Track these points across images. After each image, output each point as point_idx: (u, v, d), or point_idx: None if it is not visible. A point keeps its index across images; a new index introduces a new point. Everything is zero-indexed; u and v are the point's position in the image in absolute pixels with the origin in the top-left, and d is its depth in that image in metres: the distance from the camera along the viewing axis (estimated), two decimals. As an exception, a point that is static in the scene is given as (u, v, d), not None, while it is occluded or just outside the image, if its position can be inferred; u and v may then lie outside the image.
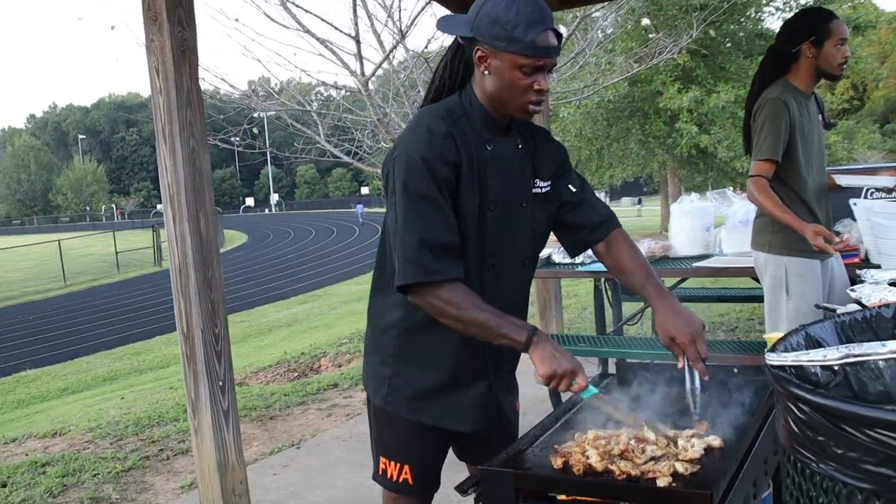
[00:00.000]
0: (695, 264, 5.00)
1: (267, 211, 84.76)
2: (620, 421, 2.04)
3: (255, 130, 10.86)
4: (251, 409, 6.08)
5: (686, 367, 2.17)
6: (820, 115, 3.80)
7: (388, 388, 2.29)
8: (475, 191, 2.11)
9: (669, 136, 21.02)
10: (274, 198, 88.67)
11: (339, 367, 8.36)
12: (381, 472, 2.37)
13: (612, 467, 1.78)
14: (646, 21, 21.06)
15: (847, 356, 1.29)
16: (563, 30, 13.84)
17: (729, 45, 21.67)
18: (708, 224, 5.45)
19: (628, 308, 6.50)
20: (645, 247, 5.31)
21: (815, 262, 3.68)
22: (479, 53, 2.09)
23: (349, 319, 13.65)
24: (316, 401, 6.27)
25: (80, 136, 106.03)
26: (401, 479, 2.33)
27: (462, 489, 1.87)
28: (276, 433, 5.49)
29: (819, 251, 3.53)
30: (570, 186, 2.36)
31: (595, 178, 24.02)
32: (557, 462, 1.85)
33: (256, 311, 18.82)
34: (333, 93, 11.83)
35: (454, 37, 2.21)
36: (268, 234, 46.37)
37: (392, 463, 2.33)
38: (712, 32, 17.35)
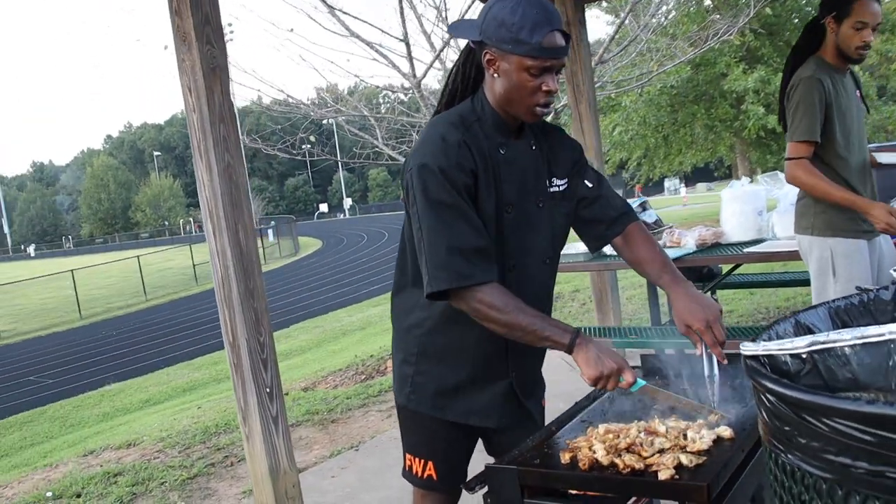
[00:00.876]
0: (746, 249, 4.92)
1: (341, 216, 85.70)
2: (675, 406, 2.09)
3: (312, 139, 11.01)
4: (314, 413, 6.19)
5: (704, 354, 2.15)
6: (858, 92, 3.68)
7: (412, 385, 2.35)
8: (491, 194, 2.14)
9: (736, 119, 20.58)
10: (347, 202, 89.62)
11: (404, 368, 8.43)
12: (407, 469, 2.45)
13: (618, 461, 1.78)
14: (708, 1, 20.67)
15: (813, 343, 1.27)
16: (620, 14, 13.69)
17: (796, 20, 21.12)
18: (760, 208, 5.35)
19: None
20: (696, 234, 5.24)
21: (862, 242, 3.56)
22: (487, 56, 2.12)
23: (418, 320, 13.73)
24: (377, 402, 6.35)
25: (156, 153, 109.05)
26: (425, 476, 2.39)
27: (469, 486, 1.90)
28: (337, 436, 5.58)
29: (870, 230, 3.46)
30: (586, 182, 2.37)
31: (665, 166, 23.66)
32: (566, 457, 1.86)
33: (331, 315, 19.07)
34: (401, 95, 11.98)
35: (467, 43, 2.24)
36: (341, 239, 46.88)
37: (417, 459, 2.40)
38: (769, 10, 16.89)
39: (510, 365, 2.30)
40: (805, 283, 6.47)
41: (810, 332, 1.56)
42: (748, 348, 1.37)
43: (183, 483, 4.91)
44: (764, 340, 1.45)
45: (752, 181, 5.66)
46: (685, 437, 1.89)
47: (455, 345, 2.27)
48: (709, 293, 6.18)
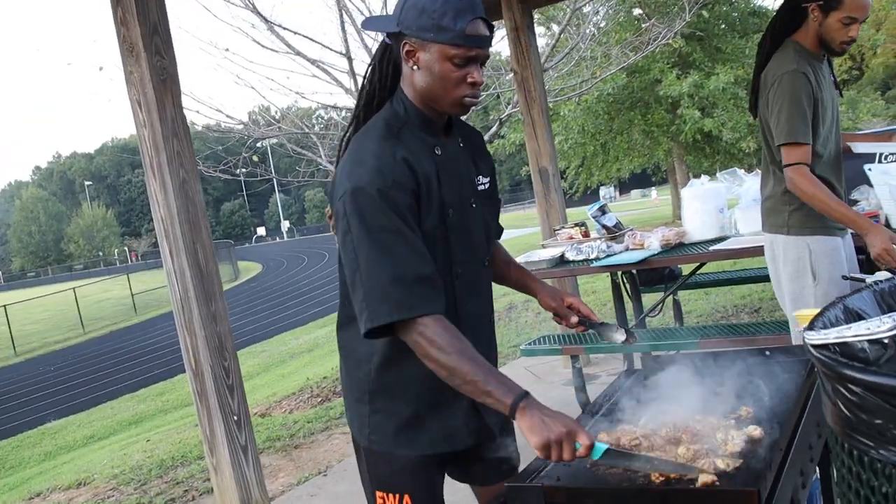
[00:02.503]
0: (711, 248, 4.86)
1: (279, 239, 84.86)
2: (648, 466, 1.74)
3: (255, 158, 10.78)
4: (275, 439, 5.97)
5: (591, 327, 2.27)
6: (832, 77, 3.55)
7: (370, 426, 2.15)
8: (433, 204, 1.99)
9: (672, 124, 20.81)
10: (285, 225, 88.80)
11: (362, 387, 8.24)
12: None
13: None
14: (637, 11, 20.93)
15: (896, 327, 1.16)
16: (554, 27, 13.73)
17: (723, 26, 21.48)
18: (721, 206, 5.31)
19: (648, 299, 6.36)
20: (659, 235, 5.17)
21: (838, 240, 3.40)
22: (406, 48, 1.95)
23: (369, 339, 13.54)
24: (339, 425, 6.15)
25: (87, 183, 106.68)
26: None
27: (489, 510, 1.74)
28: (302, 462, 5.37)
29: (843, 228, 3.36)
30: (496, 185, 2.31)
31: (602, 173, 23.84)
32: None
33: (276, 339, 18.74)
34: (334, 114, 11.79)
35: (383, 38, 2.07)
36: (282, 262, 46.34)
37: (390, 496, 2.17)
38: (705, 13, 17.14)
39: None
40: (760, 279, 6.51)
41: (860, 317, 1.45)
42: (814, 337, 1.25)
43: (143, 521, 4.66)
44: (820, 328, 1.34)
45: (710, 179, 5.61)
46: (714, 438, 1.77)
47: (408, 376, 2.07)
48: (671, 296, 6.14)
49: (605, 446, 1.71)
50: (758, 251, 4.42)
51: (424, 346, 1.83)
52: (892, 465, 1.09)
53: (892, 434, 1.07)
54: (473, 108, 2.03)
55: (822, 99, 3.30)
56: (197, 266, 3.43)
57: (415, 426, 2.11)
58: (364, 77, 2.14)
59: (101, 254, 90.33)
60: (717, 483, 1.58)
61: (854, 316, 1.45)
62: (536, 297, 2.37)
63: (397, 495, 2.15)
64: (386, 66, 2.07)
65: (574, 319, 2.25)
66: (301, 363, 13.61)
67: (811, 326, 1.34)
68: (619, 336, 2.24)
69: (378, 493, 2.19)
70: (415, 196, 1.93)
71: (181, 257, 3.41)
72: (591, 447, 1.68)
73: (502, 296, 12.91)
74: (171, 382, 15.30)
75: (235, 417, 3.52)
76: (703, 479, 1.58)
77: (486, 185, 2.20)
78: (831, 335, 1.21)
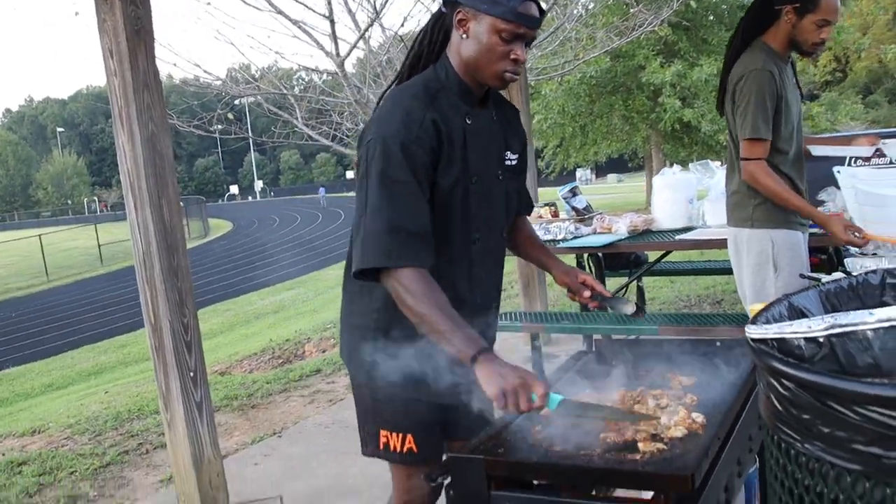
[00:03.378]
0: (678, 237, 4.91)
1: (251, 198, 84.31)
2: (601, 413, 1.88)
3: (231, 116, 10.68)
4: (233, 398, 5.97)
5: (603, 300, 2.37)
6: (795, 79, 3.60)
7: (377, 363, 2.21)
8: (454, 166, 2.07)
9: (653, 111, 20.85)
10: (258, 185, 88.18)
11: (324, 352, 8.26)
12: (382, 448, 2.30)
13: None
14: (626, -6, 20.92)
15: (833, 326, 1.19)
16: (543, 4, 13.66)
17: (711, 17, 21.50)
18: (691, 196, 5.36)
19: (612, 284, 6.42)
20: (627, 220, 5.21)
21: (800, 234, 3.48)
22: (459, 16, 2.05)
23: (336, 304, 13.46)
24: (298, 387, 6.16)
25: (59, 129, 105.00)
26: (405, 449, 2.26)
27: (431, 478, 1.77)
28: (258, 422, 5.39)
29: (804, 223, 3.43)
30: (527, 161, 2.42)
31: (580, 156, 23.88)
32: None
33: (242, 299, 18.67)
34: (314, 77, 11.69)
35: (439, 6, 2.15)
36: (253, 222, 46.09)
37: (393, 434, 2.27)
38: (693, 3, 17.14)
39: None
40: (725, 271, 6.57)
41: (803, 314, 1.48)
42: (755, 331, 1.28)
43: (95, 472, 4.65)
44: (763, 323, 1.37)
45: (682, 169, 5.66)
46: (658, 422, 1.81)
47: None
48: (635, 281, 6.20)
49: (561, 397, 1.83)
50: (724, 243, 4.46)
51: (401, 293, 1.92)
52: (816, 459, 1.12)
53: (818, 430, 1.10)
54: (512, 82, 2.09)
55: (787, 98, 3.36)
56: (161, 220, 3.42)
57: (412, 369, 2.13)
58: (414, 41, 2.23)
59: (69, 202, 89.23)
60: (662, 452, 1.63)
61: (798, 313, 1.48)
62: (552, 272, 2.47)
63: (401, 434, 2.25)
64: (437, 33, 2.16)
65: (587, 294, 2.34)
66: (266, 324, 13.59)
67: (754, 320, 1.37)
68: (629, 308, 2.36)
69: (382, 433, 2.28)
70: (434, 155, 2.02)
71: (145, 210, 3.39)
72: (545, 396, 1.76)
73: (470, 270, 12.95)
74: (134, 335, 15.21)
75: (192, 374, 3.52)
76: (645, 448, 1.64)
77: (515, 161, 2.30)
78: (771, 330, 1.24)
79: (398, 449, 2.26)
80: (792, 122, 3.43)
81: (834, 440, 1.08)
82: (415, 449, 2.25)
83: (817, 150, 3.74)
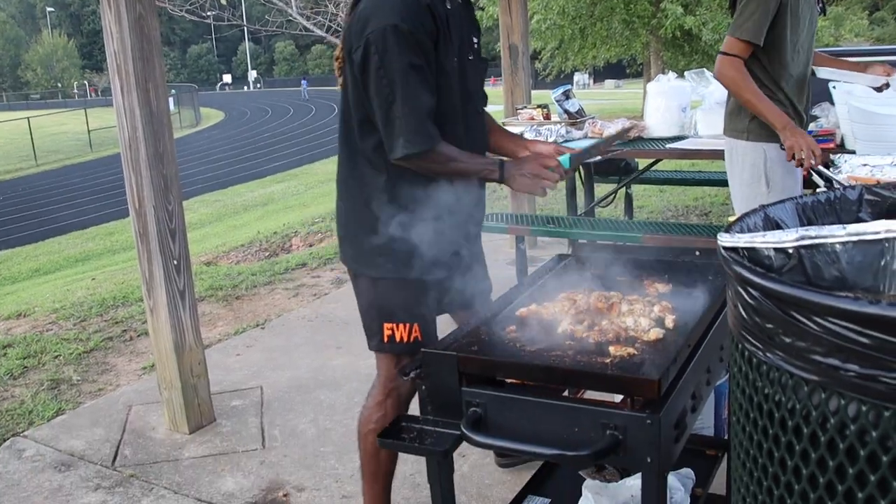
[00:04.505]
0: (668, 145, 4.88)
1: (245, 88, 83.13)
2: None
3: (223, 1, 10.45)
4: (218, 288, 6.01)
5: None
6: None
7: (383, 254, 2.32)
8: (450, 49, 2.23)
9: (654, 17, 20.47)
10: (252, 75, 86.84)
11: (311, 246, 8.28)
12: (387, 340, 2.40)
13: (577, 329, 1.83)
14: None
15: (802, 238, 1.19)
16: None
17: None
18: (684, 104, 5.30)
19: (601, 189, 6.42)
20: (619, 124, 5.18)
21: None
22: None
23: (326, 199, 13.52)
24: (283, 280, 6.20)
25: (49, 9, 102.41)
26: (412, 339, 2.37)
27: (404, 372, 1.80)
28: (242, 313, 5.44)
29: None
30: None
31: (578, 59, 23.52)
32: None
33: (231, 190, 18.62)
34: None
35: None
36: (245, 112, 45.59)
37: (400, 325, 2.38)
38: None
39: (462, 228, 2.38)
40: (715, 182, 6.58)
41: (779, 226, 1.48)
42: (727, 239, 1.28)
43: (78, 357, 4.71)
44: (737, 232, 1.37)
45: (678, 77, 5.58)
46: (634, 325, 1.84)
47: (409, 214, 2.27)
48: (624, 188, 6.19)
49: (568, 156, 2.31)
50: (714, 154, 4.45)
51: (437, 165, 2.20)
52: (776, 368, 1.14)
53: (779, 339, 1.12)
54: None
55: (797, 9, 3.25)
56: (147, 105, 3.37)
57: (419, 254, 2.27)
58: None
59: (59, 85, 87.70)
60: (631, 356, 1.66)
61: (773, 225, 1.48)
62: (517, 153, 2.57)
63: (407, 325, 2.37)
64: None
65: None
66: (254, 216, 13.59)
67: (728, 229, 1.38)
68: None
69: (386, 325, 2.39)
70: (433, 38, 2.16)
71: (132, 95, 3.34)
72: (559, 167, 2.26)
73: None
74: (122, 223, 15.19)
75: (175, 262, 3.53)
76: (616, 351, 1.69)
77: (476, 46, 2.44)
78: (742, 240, 1.25)
79: (405, 339, 2.37)
80: (799, 35, 3.32)
81: (794, 350, 1.10)
82: (420, 337, 2.37)
83: (823, 73, 3.64)
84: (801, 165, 3.16)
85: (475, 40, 2.43)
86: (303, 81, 59.70)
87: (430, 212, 2.26)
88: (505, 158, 2.37)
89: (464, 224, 2.38)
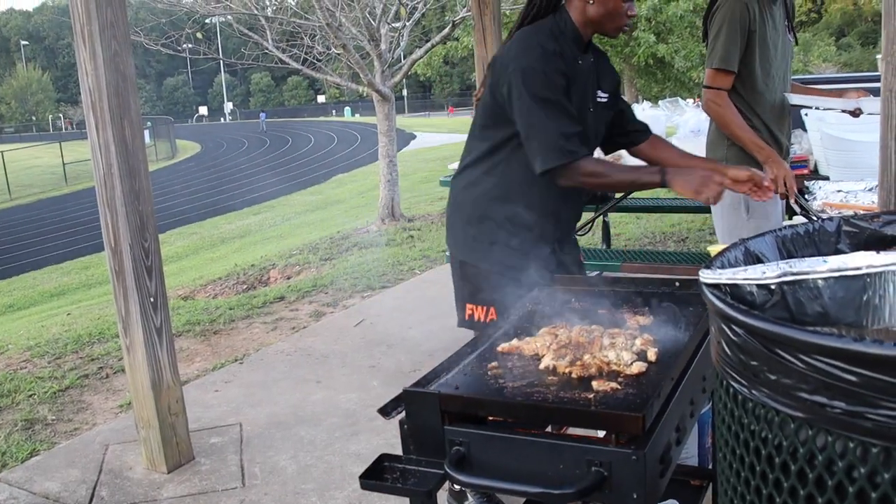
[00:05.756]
0: (645, 174, 4.90)
1: (221, 120, 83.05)
2: None
3: (199, 35, 10.45)
4: (195, 323, 5.96)
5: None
6: (787, 23, 3.50)
7: (473, 241, 2.73)
8: (573, 95, 2.54)
9: (626, 45, 20.73)
10: (228, 106, 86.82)
11: (289, 278, 8.25)
12: (467, 318, 2.79)
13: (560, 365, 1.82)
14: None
15: (785, 274, 1.19)
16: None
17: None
18: (659, 133, 5.34)
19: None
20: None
21: None
22: None
23: (303, 230, 13.50)
24: (262, 314, 6.16)
25: (23, 43, 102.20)
26: (488, 320, 2.70)
27: (385, 412, 1.78)
28: (220, 348, 5.39)
29: None
30: (623, 99, 2.90)
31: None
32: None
33: (208, 222, 18.57)
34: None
35: None
36: (221, 144, 45.53)
37: (478, 307, 2.76)
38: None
39: (556, 234, 2.76)
40: (691, 209, 6.61)
41: (759, 260, 1.48)
42: (709, 276, 1.28)
43: (53, 395, 4.64)
44: (718, 268, 1.37)
45: (652, 106, 5.63)
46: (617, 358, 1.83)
47: (514, 212, 2.67)
48: (601, 217, 6.20)
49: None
50: (689, 182, 4.47)
51: (584, 178, 2.48)
52: (762, 405, 1.13)
53: (765, 376, 1.11)
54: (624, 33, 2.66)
55: (765, 35, 3.29)
56: (123, 142, 3.35)
57: (508, 250, 2.67)
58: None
59: (34, 118, 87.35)
60: (615, 392, 1.65)
61: (754, 258, 1.48)
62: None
63: (484, 307, 2.73)
64: None
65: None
66: (231, 248, 13.55)
67: (709, 265, 1.37)
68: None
69: (468, 306, 2.79)
70: (566, 80, 2.50)
71: (107, 131, 3.32)
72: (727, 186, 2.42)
73: (438, 199, 12.94)
74: (98, 257, 15.08)
75: (152, 299, 3.50)
76: (599, 386, 1.68)
77: (605, 99, 2.72)
78: (724, 276, 1.24)
79: (482, 319, 2.73)
80: (771, 64, 3.36)
81: (780, 387, 1.09)
82: (495, 318, 2.63)
83: (795, 99, 3.60)
84: (784, 198, 3.19)
85: (600, 94, 2.70)
86: (261, 115, 62.58)
87: (519, 223, 2.66)
88: (662, 169, 2.52)
89: (552, 241, 2.74)
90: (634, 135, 2.88)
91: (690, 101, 5.46)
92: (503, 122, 2.58)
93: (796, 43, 3.65)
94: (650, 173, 2.50)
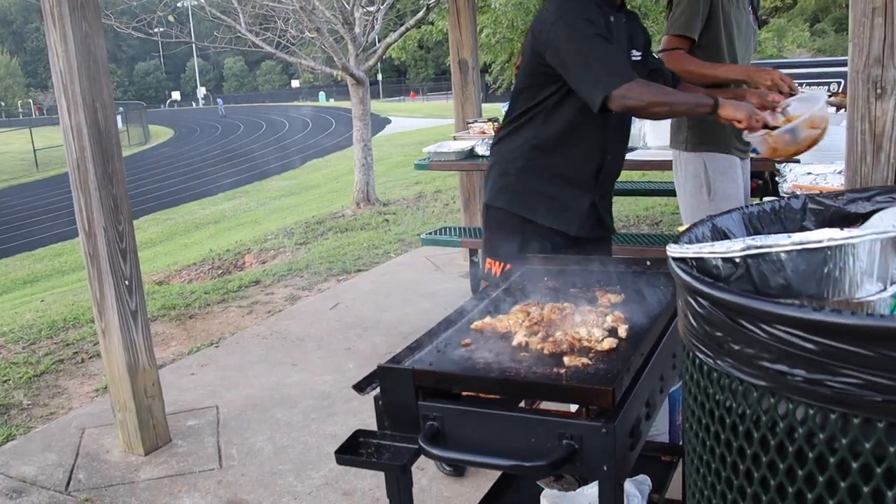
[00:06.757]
0: (618, 157, 4.94)
1: (194, 105, 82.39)
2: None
3: (171, 18, 10.37)
4: (170, 308, 5.95)
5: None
6: (751, 9, 3.53)
7: (511, 191, 2.80)
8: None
9: (602, 29, 20.75)
10: (201, 91, 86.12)
11: (264, 263, 8.24)
12: (486, 271, 2.91)
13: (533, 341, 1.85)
14: None
15: (749, 247, 1.22)
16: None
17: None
18: (632, 116, 5.37)
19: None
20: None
21: (735, 159, 3.45)
22: None
23: (277, 215, 13.45)
24: (237, 298, 6.16)
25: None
26: (500, 274, 2.76)
27: (359, 388, 1.80)
28: (196, 332, 5.39)
29: (743, 149, 3.42)
30: (654, 55, 2.98)
31: (527, 72, 23.68)
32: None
33: (182, 208, 18.46)
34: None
35: None
36: (195, 129, 45.19)
37: (496, 262, 2.83)
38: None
39: (596, 186, 2.82)
40: (665, 192, 6.67)
41: (726, 236, 1.52)
42: (675, 250, 1.31)
43: (29, 381, 4.63)
44: (685, 243, 1.40)
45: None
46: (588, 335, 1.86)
47: (554, 164, 2.76)
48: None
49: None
50: (662, 165, 4.52)
51: (635, 100, 2.46)
52: (726, 375, 1.17)
53: (729, 347, 1.15)
54: None
55: (730, 13, 3.31)
56: (95, 124, 3.34)
57: (545, 201, 2.78)
58: None
59: (2, 104, 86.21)
60: (586, 367, 1.69)
61: (720, 234, 1.52)
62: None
63: (501, 263, 2.80)
64: None
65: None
66: (206, 234, 13.48)
67: (677, 240, 1.41)
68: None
69: (488, 260, 2.88)
70: (606, 30, 2.58)
71: (79, 114, 3.30)
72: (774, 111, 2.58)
73: (414, 184, 12.94)
74: (71, 243, 14.95)
75: (127, 282, 3.49)
76: (570, 362, 1.71)
77: (638, 58, 2.81)
78: (691, 250, 1.28)
79: (496, 273, 2.81)
80: (733, 42, 3.36)
81: (743, 357, 1.13)
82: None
83: None
84: (791, 94, 3.15)
85: (634, 52, 2.80)
86: (219, 100, 65.21)
87: (559, 174, 2.76)
88: (714, 96, 2.58)
89: (595, 194, 2.82)
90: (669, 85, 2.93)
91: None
92: (542, 82, 2.67)
93: (759, 27, 3.67)
94: (705, 100, 2.55)
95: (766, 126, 2.56)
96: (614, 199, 3.10)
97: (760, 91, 2.89)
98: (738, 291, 1.13)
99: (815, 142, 2.69)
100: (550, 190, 2.79)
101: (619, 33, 2.69)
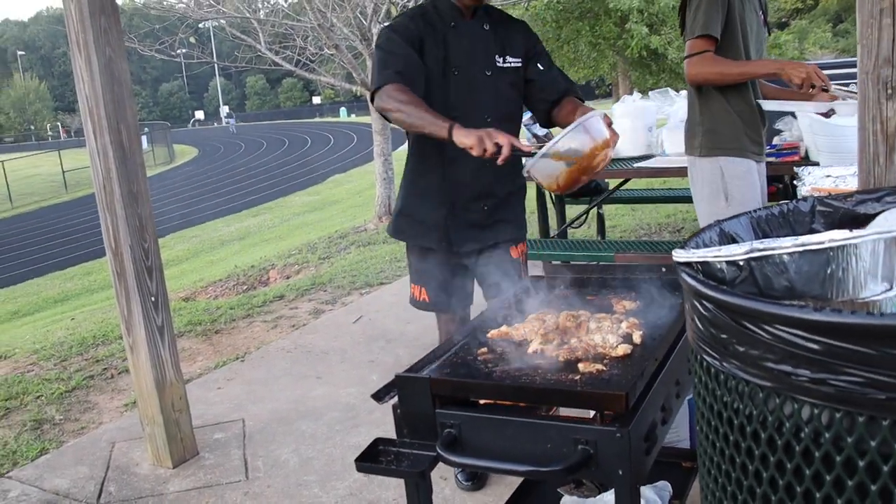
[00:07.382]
0: (637, 165, 4.97)
1: (216, 124, 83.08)
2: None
3: (193, 40, 10.50)
4: (197, 323, 6.01)
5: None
6: (762, 15, 3.49)
7: (393, 217, 3.02)
8: (438, 56, 2.73)
9: (620, 38, 20.78)
10: (224, 110, 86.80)
11: (288, 278, 8.31)
12: (412, 297, 3.06)
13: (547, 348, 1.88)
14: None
15: (752, 250, 1.24)
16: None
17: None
18: (650, 124, 5.40)
19: (572, 211, 6.49)
20: (534, 126, 5.34)
21: (751, 163, 3.41)
22: None
23: (301, 231, 13.55)
24: (262, 313, 6.22)
25: (20, 53, 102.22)
26: (421, 299, 3.00)
27: (378, 396, 1.84)
28: (222, 347, 5.44)
29: (758, 153, 3.42)
30: (539, 65, 2.91)
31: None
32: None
33: (208, 225, 18.60)
34: (281, 0, 11.50)
35: None
36: (218, 147, 45.54)
37: (415, 286, 3.01)
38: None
39: (448, 196, 2.85)
40: (686, 199, 6.66)
41: (734, 240, 1.54)
42: (681, 255, 1.33)
43: (61, 396, 4.70)
44: (692, 248, 1.42)
45: (642, 97, 5.68)
46: (602, 341, 1.88)
47: (412, 180, 2.91)
48: (595, 208, 6.26)
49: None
50: (681, 171, 4.52)
51: (386, 104, 2.54)
52: (733, 377, 1.19)
53: (734, 349, 1.17)
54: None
55: (744, 14, 3.30)
56: (120, 146, 3.40)
57: (407, 220, 2.94)
58: None
59: (32, 127, 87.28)
60: (600, 373, 1.71)
61: (728, 239, 1.54)
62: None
63: (418, 287, 3.01)
64: None
65: None
66: (231, 251, 13.58)
67: (684, 245, 1.43)
68: None
69: (412, 286, 3.04)
70: (419, 40, 2.70)
71: (104, 136, 3.37)
72: (510, 145, 2.28)
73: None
74: (100, 262, 15.13)
75: (153, 299, 3.55)
76: (585, 368, 1.73)
77: (514, 64, 2.84)
78: (696, 254, 1.30)
79: (418, 298, 2.99)
80: (751, 47, 3.37)
81: (748, 358, 1.15)
82: (427, 298, 2.98)
83: (768, 105, 3.52)
84: (813, 87, 3.17)
85: (508, 59, 2.82)
86: (230, 119, 67.90)
87: (421, 189, 2.87)
88: (452, 121, 2.45)
89: (447, 203, 2.86)
90: (556, 102, 2.89)
91: (684, 91, 5.47)
92: None
93: (769, 34, 3.66)
94: (441, 123, 2.40)
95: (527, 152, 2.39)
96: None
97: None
98: (741, 294, 1.16)
99: (585, 170, 2.27)
100: (410, 207, 2.93)
101: (463, 40, 2.76)
